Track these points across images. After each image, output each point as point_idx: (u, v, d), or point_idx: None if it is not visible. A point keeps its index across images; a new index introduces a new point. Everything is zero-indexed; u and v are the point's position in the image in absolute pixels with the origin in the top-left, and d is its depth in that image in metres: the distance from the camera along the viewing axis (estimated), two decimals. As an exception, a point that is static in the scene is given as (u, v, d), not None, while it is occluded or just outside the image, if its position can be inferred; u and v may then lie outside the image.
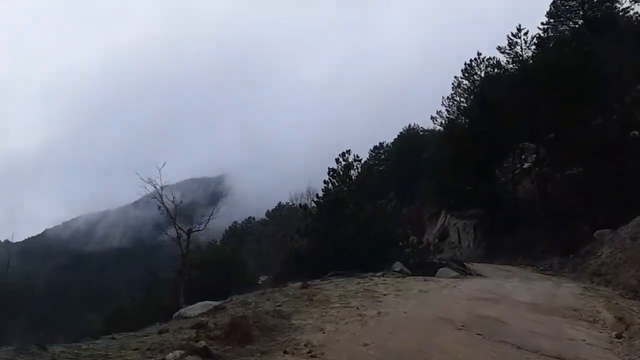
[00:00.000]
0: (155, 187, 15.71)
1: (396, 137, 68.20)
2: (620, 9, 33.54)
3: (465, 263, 18.53)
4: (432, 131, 48.43)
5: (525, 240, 25.53)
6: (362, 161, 22.25)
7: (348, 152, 21.81)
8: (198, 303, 8.56)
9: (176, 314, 7.82)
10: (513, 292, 8.99)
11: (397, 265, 15.24)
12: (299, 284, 11.47)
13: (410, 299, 8.34)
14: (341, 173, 21.54)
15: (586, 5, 36.27)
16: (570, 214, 24.13)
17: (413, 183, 48.84)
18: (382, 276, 12.85)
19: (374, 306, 7.58)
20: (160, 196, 15.81)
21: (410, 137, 61.79)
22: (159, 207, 16.52)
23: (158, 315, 12.25)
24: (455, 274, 15.07)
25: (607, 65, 23.32)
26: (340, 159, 21.78)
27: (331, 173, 21.76)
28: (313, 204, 23.10)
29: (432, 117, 28.73)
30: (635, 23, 32.96)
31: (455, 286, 10.20)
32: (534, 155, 26.63)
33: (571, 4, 36.58)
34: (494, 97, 28.06)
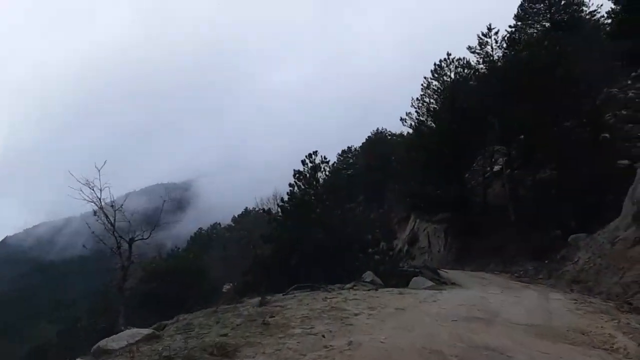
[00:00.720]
0: (92, 189, 13.84)
1: (364, 141, 67.52)
2: (587, 11, 33.53)
3: (438, 270, 17.40)
4: (401, 135, 47.88)
5: (497, 245, 24.73)
6: (331, 164, 20.99)
7: (315, 153, 20.50)
8: (125, 332, 6.98)
9: (95, 346, 6.26)
10: (502, 309, 7.81)
11: (368, 275, 13.94)
12: (257, 299, 10.00)
13: (386, 320, 7.02)
14: (307, 175, 20.17)
15: (553, 8, 36.21)
16: (542, 218, 23.48)
17: (382, 187, 48.12)
18: (352, 289, 11.51)
19: (344, 332, 6.22)
20: (99, 200, 13.98)
21: (379, 141, 61.24)
22: (95, 213, 14.66)
23: (92, 338, 10.53)
24: (430, 283, 13.87)
25: (578, 66, 22.81)
26: (307, 161, 20.41)
27: (297, 175, 20.38)
28: (278, 209, 21.62)
29: (401, 119, 27.77)
30: (602, 26, 33.01)
31: (434, 300, 8.95)
32: (505, 158, 25.90)
33: (538, 6, 36.48)
34: (463, 98, 27.30)
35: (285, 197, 21.34)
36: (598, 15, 34.39)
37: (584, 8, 34.00)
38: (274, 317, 7.39)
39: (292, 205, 19.79)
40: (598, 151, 22.44)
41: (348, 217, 19.53)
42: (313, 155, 20.39)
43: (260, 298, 9.94)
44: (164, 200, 16.65)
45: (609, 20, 33.10)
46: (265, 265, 18.58)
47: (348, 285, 12.19)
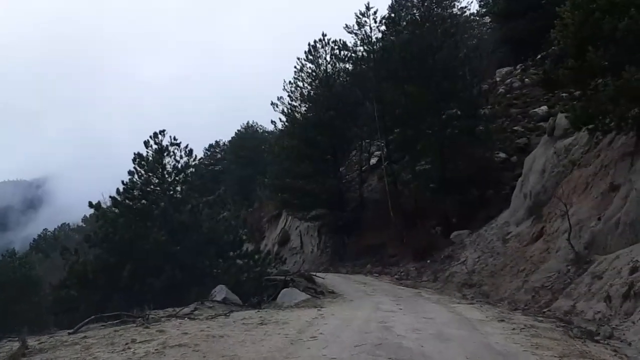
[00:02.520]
0: None
1: (234, 135, 62.81)
2: (458, 7, 33.22)
3: (313, 276, 14.19)
4: (272, 133, 44.64)
5: (375, 243, 22.47)
6: (195, 156, 16.59)
7: (162, 132, 16.02)
8: None
9: None
10: (418, 343, 4.63)
11: (220, 291, 10.14)
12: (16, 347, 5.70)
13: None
14: (151, 159, 15.68)
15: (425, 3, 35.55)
16: (422, 214, 21.73)
17: (252, 183, 44.62)
18: (188, 317, 7.61)
19: None
20: None
21: (249, 135, 57.32)
22: None
23: None
24: (304, 296, 10.54)
25: (460, 51, 21.39)
26: (152, 142, 15.90)
27: (137, 160, 15.76)
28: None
29: (272, 103, 24.28)
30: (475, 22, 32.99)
31: (314, 337, 5.50)
32: (383, 149, 23.77)
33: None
34: (340, 83, 24.74)
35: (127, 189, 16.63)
36: (467, 12, 34.41)
37: (456, 3, 33.68)
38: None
39: (129, 197, 15.23)
40: (476, 143, 21.14)
41: (205, 213, 15.43)
42: (160, 136, 15.91)
43: (20, 344, 5.66)
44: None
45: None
46: (86, 276, 13.77)
47: (186, 309, 8.27)
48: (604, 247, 9.77)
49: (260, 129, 58.08)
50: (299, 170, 23.25)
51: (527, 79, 28.77)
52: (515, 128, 23.88)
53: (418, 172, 21.98)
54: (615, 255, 8.99)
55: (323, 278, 14.49)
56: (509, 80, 29.31)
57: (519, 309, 9.85)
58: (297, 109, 24.49)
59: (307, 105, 24.35)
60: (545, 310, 9.34)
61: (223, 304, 9.27)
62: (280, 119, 24.38)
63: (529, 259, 12.34)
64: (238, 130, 61.40)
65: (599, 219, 10.36)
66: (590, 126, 10.46)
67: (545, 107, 25.97)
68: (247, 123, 60.86)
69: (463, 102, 20.16)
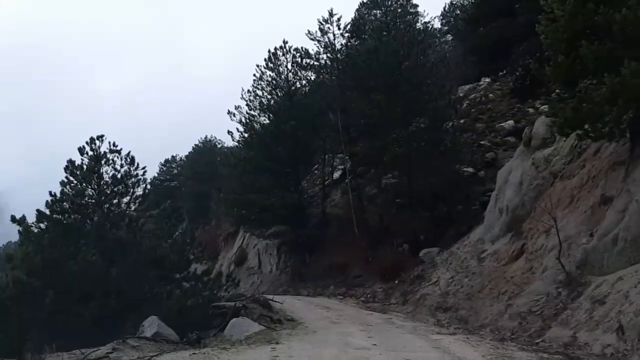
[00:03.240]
0: None
1: (191, 149, 60.30)
2: (422, 22, 32.77)
3: (270, 300, 12.52)
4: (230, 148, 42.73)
5: (339, 262, 20.96)
6: (138, 165, 14.48)
7: (100, 138, 14.10)
8: None
9: None
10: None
11: (151, 325, 8.35)
12: None
13: None
14: (85, 169, 13.72)
15: (389, 16, 34.99)
16: (388, 231, 20.43)
17: (209, 200, 42.57)
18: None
19: None
20: None
21: (207, 150, 55.10)
22: None
23: None
24: (257, 327, 8.88)
25: (427, 60, 20.46)
26: (87, 149, 13.96)
27: (70, 169, 13.78)
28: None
29: (229, 112, 22.61)
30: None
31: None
32: (347, 164, 22.48)
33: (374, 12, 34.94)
34: (302, 91, 23.40)
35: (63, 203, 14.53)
36: (430, 27, 34.05)
37: (419, 17, 33.25)
38: None
39: (58, 211, 13.19)
40: (444, 156, 20.14)
41: (146, 230, 13.52)
42: (97, 141, 13.97)
43: None
44: None
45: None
46: (3, 304, 11.63)
47: (99, 352, 6.47)
48: (599, 267, 8.60)
49: (219, 143, 55.91)
50: (257, 184, 21.58)
51: (491, 94, 28.44)
52: (482, 142, 23.14)
53: (384, 186, 20.77)
54: (617, 276, 7.82)
55: (281, 302, 12.81)
56: (472, 95, 28.84)
57: (507, 339, 8.51)
58: (255, 118, 22.91)
59: (266, 115, 22.80)
60: (538, 340, 8.03)
61: (153, 341, 7.50)
62: (237, 129, 22.74)
63: (509, 280, 11.11)
64: (195, 144, 58.92)
65: (592, 235, 9.23)
66: (580, 132, 9.36)
67: (512, 121, 25.47)
68: (205, 137, 58.50)
69: (430, 113, 19.14)
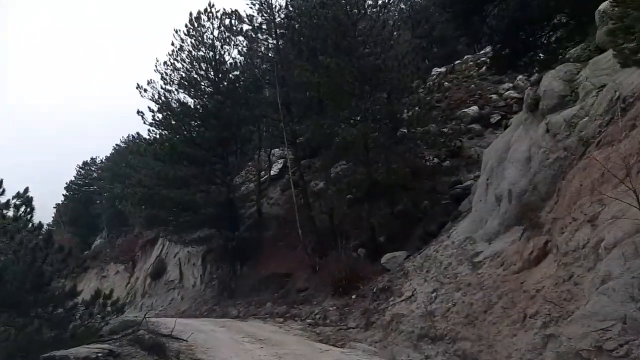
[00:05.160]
0: None
1: (113, 150, 53.54)
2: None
3: (168, 335, 8.10)
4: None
5: (278, 273, 16.77)
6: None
7: None
8: None
9: None
10: None
11: None
12: None
13: None
14: None
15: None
16: (340, 233, 16.48)
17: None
18: None
19: None
20: None
21: (131, 150, 48.63)
22: None
23: None
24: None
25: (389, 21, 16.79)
26: None
27: None
28: None
29: (138, 87, 17.84)
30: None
31: None
32: (288, 150, 18.30)
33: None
34: (232, 62, 19.11)
35: None
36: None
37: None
38: None
39: None
40: (404, 142, 16.54)
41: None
42: None
43: None
44: None
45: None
46: None
47: None
48: None
49: (145, 142, 49.81)
50: (174, 175, 16.94)
51: (446, 83, 25.56)
52: (443, 130, 19.87)
53: (334, 177, 16.82)
54: None
55: (190, 336, 8.39)
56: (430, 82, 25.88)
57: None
58: (173, 95, 18.28)
59: (187, 92, 18.26)
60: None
61: None
62: (150, 108, 17.99)
63: (535, 295, 7.37)
64: (117, 145, 52.36)
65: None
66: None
67: (476, 107, 22.63)
68: (129, 136, 52.08)
69: (393, 84, 15.46)
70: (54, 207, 57.98)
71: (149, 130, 18.04)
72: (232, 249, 17.29)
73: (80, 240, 49.92)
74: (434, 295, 9.82)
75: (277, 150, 23.77)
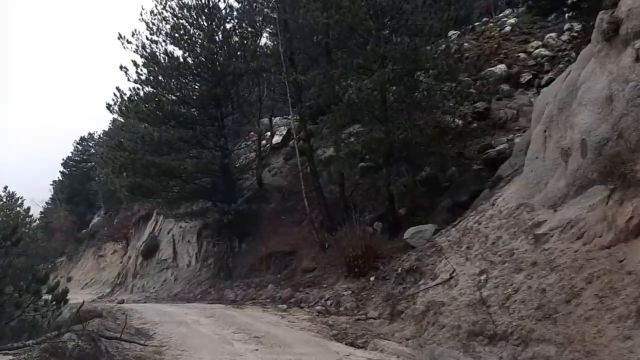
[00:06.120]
0: None
1: (110, 123, 50.96)
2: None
3: (122, 330, 5.89)
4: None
5: (281, 250, 14.55)
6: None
7: None
8: None
9: None
10: None
11: None
12: None
13: None
14: None
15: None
16: (352, 205, 14.19)
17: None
18: None
19: None
20: None
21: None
22: None
23: None
24: None
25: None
26: None
27: None
28: None
29: (120, 37, 15.35)
30: None
31: None
32: (291, 108, 15.76)
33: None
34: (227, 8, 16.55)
35: None
36: None
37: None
38: None
39: None
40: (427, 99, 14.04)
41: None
42: None
43: None
44: None
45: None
46: None
47: None
48: None
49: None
50: (160, 138, 14.58)
51: (466, 44, 22.99)
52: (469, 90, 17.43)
53: (345, 141, 14.41)
54: None
55: (144, 344, 6.14)
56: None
57: None
58: (160, 47, 15.79)
59: (177, 42, 15.78)
60: None
61: None
62: (134, 62, 15.54)
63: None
64: (114, 118, 49.75)
65: None
66: None
67: (503, 65, 20.20)
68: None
69: (414, 29, 12.91)
70: (50, 184, 56.09)
71: (134, 88, 15.65)
72: (228, 222, 15.02)
73: (78, 218, 48.09)
74: (482, 277, 7.53)
75: (278, 118, 21.41)
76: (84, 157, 53.00)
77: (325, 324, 8.46)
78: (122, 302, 17.52)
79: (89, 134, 53.50)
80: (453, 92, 13.14)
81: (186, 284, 17.40)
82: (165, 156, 14.47)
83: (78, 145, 53.63)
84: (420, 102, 13.23)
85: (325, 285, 11.48)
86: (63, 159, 54.34)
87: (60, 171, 54.59)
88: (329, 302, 10.35)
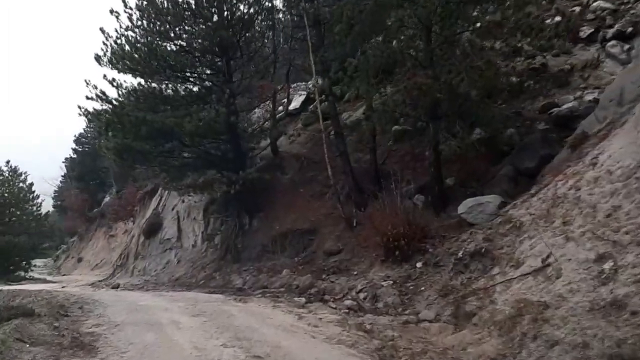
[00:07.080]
0: None
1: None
2: None
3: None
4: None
5: (299, 229, 12.05)
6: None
7: None
8: None
9: None
10: None
11: None
12: None
13: None
14: None
15: None
16: (385, 173, 11.60)
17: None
18: None
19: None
20: None
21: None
22: None
23: None
24: None
25: None
26: None
27: None
28: None
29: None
30: None
31: None
32: (313, 65, 12.99)
33: None
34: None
35: None
36: None
37: None
38: None
39: None
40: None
41: None
42: None
43: None
44: None
45: None
46: None
47: None
48: None
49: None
50: (153, 90, 12.06)
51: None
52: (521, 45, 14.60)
53: (382, 91, 11.65)
54: None
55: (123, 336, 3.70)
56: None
57: None
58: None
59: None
60: None
61: None
62: (126, 3, 12.95)
63: None
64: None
65: None
66: None
67: (559, 17, 17.17)
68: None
69: None
70: (63, 162, 54.52)
71: (124, 36, 13.11)
72: (237, 194, 12.53)
73: (89, 197, 46.35)
74: (606, 266, 4.91)
75: (296, 84, 18.77)
76: (96, 133, 51.04)
77: (361, 329, 5.95)
78: (117, 286, 15.34)
79: (103, 109, 51.56)
80: (520, 27, 10.29)
81: (190, 267, 15.09)
82: (160, 114, 11.98)
83: (91, 121, 51.60)
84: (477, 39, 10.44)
85: (355, 273, 8.96)
86: (75, 136, 52.57)
87: (72, 148, 52.87)
88: (361, 296, 7.84)
